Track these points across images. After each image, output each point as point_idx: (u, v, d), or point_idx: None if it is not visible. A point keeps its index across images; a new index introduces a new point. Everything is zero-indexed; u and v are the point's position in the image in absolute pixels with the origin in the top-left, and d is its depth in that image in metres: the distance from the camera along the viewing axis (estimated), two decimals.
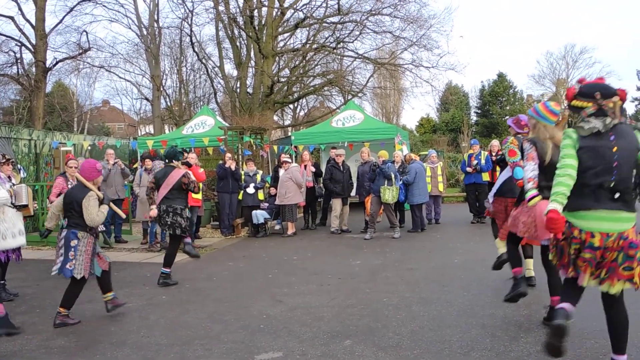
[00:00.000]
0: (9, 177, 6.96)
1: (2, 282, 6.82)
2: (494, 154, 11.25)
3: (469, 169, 12.66)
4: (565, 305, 3.64)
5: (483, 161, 12.45)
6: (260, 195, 12.38)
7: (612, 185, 3.47)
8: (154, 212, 7.66)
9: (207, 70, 26.99)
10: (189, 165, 10.39)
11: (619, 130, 3.53)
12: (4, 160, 7.01)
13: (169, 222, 7.35)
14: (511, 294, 5.00)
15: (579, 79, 3.80)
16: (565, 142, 3.61)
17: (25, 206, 6.62)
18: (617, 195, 3.48)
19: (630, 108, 50.33)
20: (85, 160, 6.21)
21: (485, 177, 12.38)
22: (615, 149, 3.48)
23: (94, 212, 5.60)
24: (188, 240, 7.66)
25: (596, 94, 3.51)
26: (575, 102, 3.62)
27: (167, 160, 7.63)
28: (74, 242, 5.58)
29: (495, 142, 11.80)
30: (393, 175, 10.85)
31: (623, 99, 3.59)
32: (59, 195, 8.10)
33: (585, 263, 3.55)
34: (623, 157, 3.49)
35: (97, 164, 5.94)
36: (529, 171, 4.43)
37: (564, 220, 3.50)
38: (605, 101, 3.51)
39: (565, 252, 3.65)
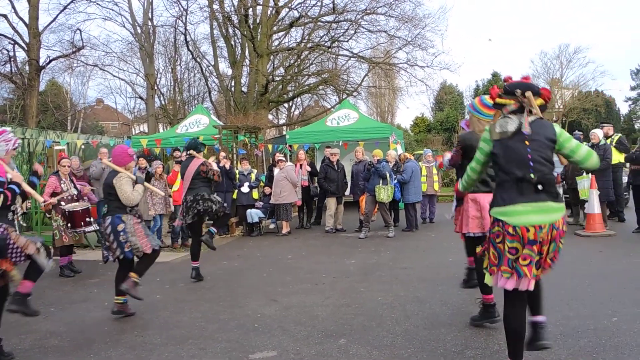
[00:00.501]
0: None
1: None
2: None
3: None
4: None
5: None
6: (255, 194, 12.38)
7: (532, 177, 3.51)
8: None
9: (202, 69, 26.98)
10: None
11: (535, 124, 3.59)
12: None
13: (201, 210, 7.32)
14: (481, 321, 5.06)
15: (505, 77, 3.88)
16: (480, 145, 3.79)
17: None
18: (539, 187, 3.52)
19: (624, 108, 50.68)
20: (117, 146, 6.19)
21: None
22: (527, 142, 3.54)
23: (128, 190, 5.61)
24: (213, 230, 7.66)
25: (517, 91, 3.59)
26: (498, 100, 3.73)
27: (187, 152, 7.62)
28: (121, 227, 5.61)
29: None
30: (388, 175, 10.86)
31: (545, 98, 3.64)
32: (52, 194, 8.06)
33: (528, 264, 3.49)
34: (537, 150, 3.54)
35: (128, 148, 5.95)
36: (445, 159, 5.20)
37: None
38: (526, 99, 3.58)
39: (504, 255, 3.56)
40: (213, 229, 7.54)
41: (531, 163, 3.51)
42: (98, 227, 10.03)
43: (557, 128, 3.66)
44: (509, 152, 3.56)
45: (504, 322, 3.71)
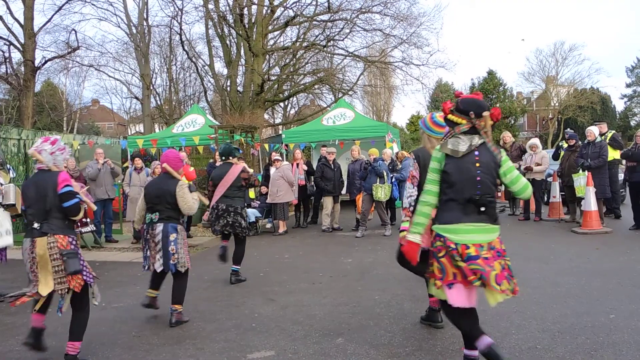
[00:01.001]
0: None
1: None
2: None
3: None
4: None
5: None
6: (251, 194, 12.35)
7: (478, 199, 3.60)
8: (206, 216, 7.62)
9: (197, 69, 26.90)
10: None
11: (484, 146, 3.66)
12: None
13: (230, 222, 7.21)
14: (427, 322, 5.13)
15: (455, 93, 3.90)
16: (431, 165, 3.76)
17: (13, 205, 6.54)
18: (482, 208, 3.61)
19: (619, 105, 50.84)
20: (168, 150, 6.07)
21: None
22: (478, 164, 3.61)
23: (190, 199, 5.51)
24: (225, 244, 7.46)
25: (470, 113, 3.62)
26: (451, 117, 3.73)
27: (223, 158, 7.44)
28: (173, 236, 5.44)
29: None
30: (385, 173, 10.87)
31: (494, 119, 3.66)
32: None
33: (477, 274, 3.51)
34: (485, 172, 3.62)
35: (180, 154, 5.85)
36: (406, 198, 4.71)
37: (417, 253, 3.78)
38: (478, 120, 3.63)
39: (448, 270, 3.62)
40: (236, 267, 7.37)
41: (479, 185, 3.60)
42: (95, 228, 10.06)
43: (503, 154, 3.72)
44: (460, 172, 3.61)
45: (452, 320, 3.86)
